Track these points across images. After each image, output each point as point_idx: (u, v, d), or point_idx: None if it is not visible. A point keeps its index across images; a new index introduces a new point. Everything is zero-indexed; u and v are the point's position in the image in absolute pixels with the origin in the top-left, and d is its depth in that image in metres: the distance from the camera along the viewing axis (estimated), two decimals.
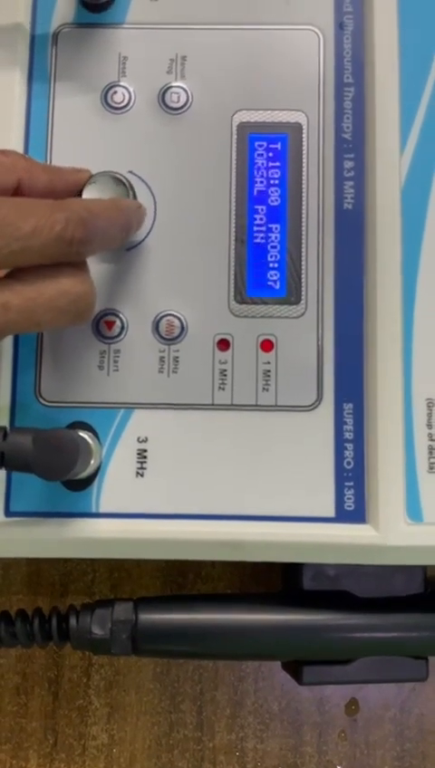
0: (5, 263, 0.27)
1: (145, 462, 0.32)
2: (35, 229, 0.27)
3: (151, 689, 0.39)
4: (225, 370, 0.33)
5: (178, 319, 0.33)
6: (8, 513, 0.32)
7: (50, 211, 0.27)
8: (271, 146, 0.34)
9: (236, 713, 0.39)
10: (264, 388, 0.32)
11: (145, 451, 0.32)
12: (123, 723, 0.39)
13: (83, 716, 0.39)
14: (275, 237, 0.33)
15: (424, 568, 0.34)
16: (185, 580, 0.39)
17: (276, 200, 0.33)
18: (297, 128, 0.34)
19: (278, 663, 0.39)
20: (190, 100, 0.34)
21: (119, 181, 0.32)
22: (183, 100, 0.34)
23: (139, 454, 0.32)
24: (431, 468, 0.32)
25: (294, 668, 0.34)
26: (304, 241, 0.33)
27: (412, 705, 0.40)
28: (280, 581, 0.37)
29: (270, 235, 0.33)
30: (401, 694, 0.40)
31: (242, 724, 0.39)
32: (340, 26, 0.34)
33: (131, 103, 0.34)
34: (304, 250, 0.33)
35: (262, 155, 0.34)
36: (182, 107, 0.34)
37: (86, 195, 0.32)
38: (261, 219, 0.33)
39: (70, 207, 0.28)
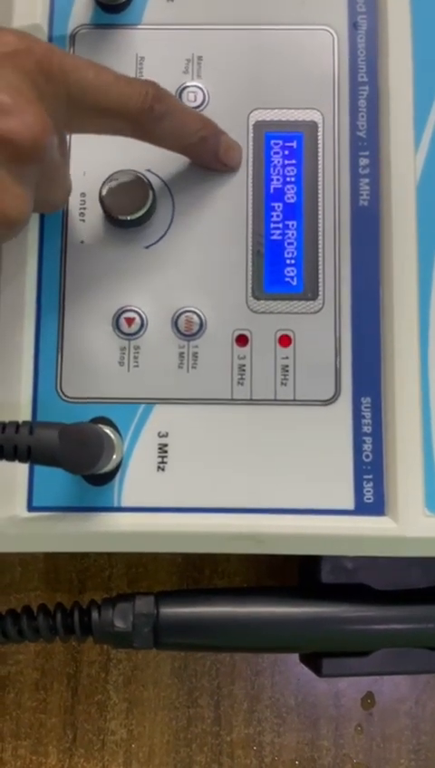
0: (81, 100, 0.29)
1: (166, 456, 0.32)
2: (117, 77, 0.29)
3: (169, 684, 0.39)
4: (243, 365, 0.33)
5: (197, 315, 0.33)
6: (31, 507, 0.32)
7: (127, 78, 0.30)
8: (287, 144, 0.34)
9: (253, 707, 0.39)
10: (282, 383, 0.33)
11: (166, 446, 0.32)
12: (142, 718, 0.39)
13: (102, 712, 0.39)
14: (292, 234, 0.34)
15: None
16: (201, 575, 0.40)
17: (293, 197, 0.34)
18: (313, 126, 0.34)
19: (294, 657, 0.39)
20: (207, 99, 0.34)
21: (139, 179, 0.33)
22: (199, 99, 0.34)
23: (159, 448, 0.32)
24: None
25: (313, 661, 0.34)
26: (320, 237, 0.33)
27: (428, 698, 0.40)
28: (296, 576, 0.38)
29: (287, 231, 0.34)
30: (416, 687, 0.40)
31: (259, 718, 0.39)
32: (354, 26, 0.34)
33: None
34: (320, 246, 0.33)
35: (278, 153, 0.34)
36: (199, 106, 0.34)
37: (105, 193, 0.32)
38: (278, 216, 0.34)
39: (151, 83, 0.30)
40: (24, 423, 0.28)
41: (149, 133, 0.31)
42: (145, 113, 0.30)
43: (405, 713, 0.40)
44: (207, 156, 0.33)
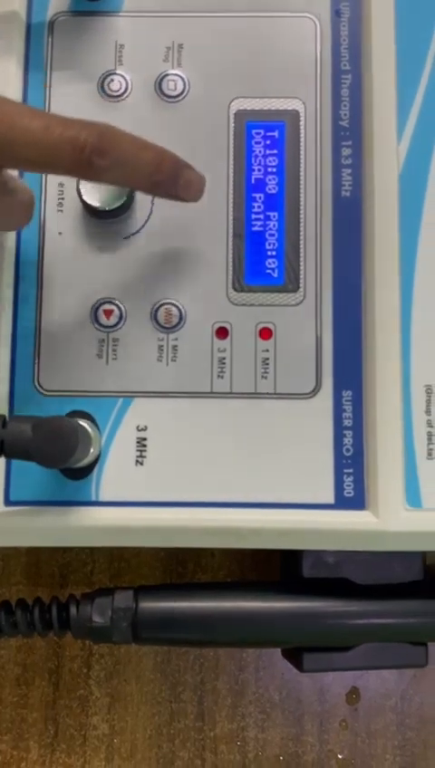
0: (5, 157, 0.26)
1: (145, 450, 0.32)
2: (47, 127, 0.26)
3: (152, 679, 0.39)
4: (223, 358, 0.33)
5: (177, 307, 0.33)
6: (8, 502, 0.32)
7: (65, 119, 0.27)
8: (268, 134, 0.34)
9: (237, 702, 0.39)
10: (263, 376, 0.32)
11: (144, 439, 0.32)
12: (124, 713, 0.39)
13: (84, 707, 0.39)
14: (274, 225, 0.33)
15: (423, 555, 0.34)
16: (185, 569, 0.39)
17: (274, 188, 0.33)
18: (295, 115, 0.34)
19: (279, 652, 0.39)
20: (187, 87, 0.34)
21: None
22: (180, 87, 0.34)
23: (138, 442, 0.32)
24: (430, 454, 0.32)
25: (295, 656, 0.34)
26: (302, 229, 0.33)
27: (413, 693, 0.40)
28: (279, 570, 0.37)
29: (268, 223, 0.33)
30: (401, 682, 0.40)
31: (243, 713, 0.39)
32: (337, 13, 0.34)
33: (128, 91, 0.34)
34: (302, 238, 0.33)
35: (259, 143, 0.33)
36: (179, 95, 0.34)
37: (83, 183, 0.32)
38: (259, 207, 0.33)
39: (88, 122, 0.27)
40: None
41: (90, 179, 0.29)
42: (82, 167, 0.27)
43: (391, 708, 0.40)
44: (161, 194, 0.31)
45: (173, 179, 0.30)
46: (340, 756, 0.39)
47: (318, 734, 0.39)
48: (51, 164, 0.27)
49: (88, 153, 0.26)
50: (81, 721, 0.39)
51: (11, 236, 0.33)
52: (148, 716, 0.39)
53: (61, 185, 0.33)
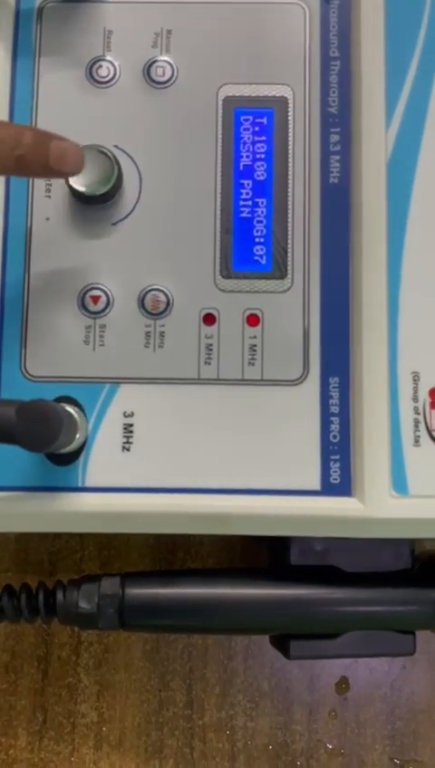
0: None
1: (131, 436, 0.32)
2: None
3: (141, 667, 0.39)
4: (211, 345, 0.33)
5: (164, 294, 0.33)
6: None
7: None
8: (257, 120, 0.33)
9: (225, 691, 0.39)
10: (250, 363, 0.32)
11: (131, 425, 0.32)
12: (113, 701, 0.39)
13: (73, 694, 0.39)
14: (262, 212, 0.33)
15: (411, 543, 0.34)
16: (174, 557, 0.39)
17: (262, 175, 0.33)
18: (283, 102, 0.33)
19: (268, 641, 0.39)
20: (176, 74, 0.34)
21: (104, 155, 0.32)
22: (168, 74, 0.34)
23: (125, 428, 0.32)
24: (417, 441, 0.32)
25: (282, 643, 0.34)
26: (290, 215, 0.33)
27: (403, 683, 0.40)
28: (268, 559, 0.37)
29: (256, 209, 0.33)
30: (391, 672, 0.40)
31: (232, 702, 0.39)
32: (326, 0, 0.34)
33: (117, 77, 0.34)
34: (290, 224, 0.33)
35: (248, 129, 0.33)
36: (167, 81, 0.34)
37: None
38: (247, 194, 0.33)
39: None
40: None
41: None
42: None
43: (380, 698, 0.40)
44: (34, 171, 0.30)
45: (41, 152, 0.29)
46: (329, 746, 0.39)
47: (307, 724, 0.39)
48: None
49: None
50: (69, 708, 0.39)
51: None
52: (136, 704, 0.39)
53: None
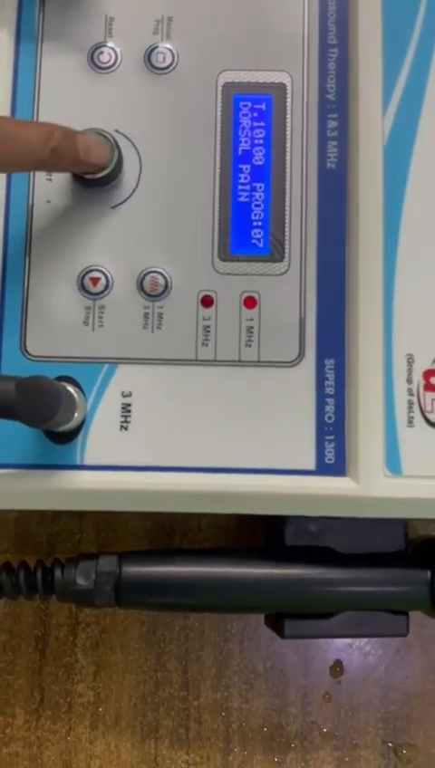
0: None
1: (129, 416, 0.32)
2: None
3: (138, 648, 0.40)
4: (208, 327, 0.33)
5: (163, 276, 0.33)
6: None
7: None
8: (256, 106, 0.34)
9: (221, 672, 0.40)
10: (247, 344, 0.33)
11: (129, 405, 0.33)
12: (109, 681, 0.39)
13: (70, 674, 0.39)
14: (259, 196, 0.34)
15: (404, 526, 0.35)
16: (171, 541, 0.40)
17: (260, 160, 0.34)
18: (282, 88, 0.34)
19: (263, 624, 0.39)
20: (176, 60, 0.34)
21: (105, 139, 0.33)
22: (169, 60, 0.34)
23: (123, 408, 0.33)
24: (410, 422, 0.32)
25: (277, 623, 0.35)
26: (287, 200, 0.33)
27: (397, 667, 0.40)
28: (263, 541, 0.38)
29: (254, 193, 0.34)
30: (385, 657, 0.40)
31: (227, 683, 0.40)
32: None
33: (118, 63, 0.34)
34: (287, 209, 0.33)
35: (247, 115, 0.34)
36: (168, 67, 0.34)
37: None
38: (245, 178, 0.34)
39: None
40: None
41: None
42: None
43: (374, 682, 0.40)
44: (66, 165, 0.31)
45: (71, 143, 0.30)
46: (323, 728, 0.40)
47: (302, 706, 0.40)
48: None
49: None
50: (66, 688, 0.39)
51: None
52: (133, 685, 0.39)
53: None
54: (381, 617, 0.34)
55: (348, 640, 0.40)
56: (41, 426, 0.29)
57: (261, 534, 0.38)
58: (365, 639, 0.40)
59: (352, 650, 0.40)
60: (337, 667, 0.40)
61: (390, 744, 0.40)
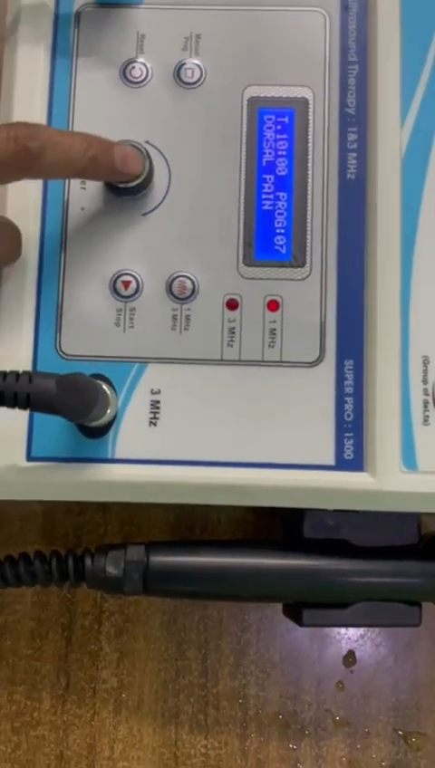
0: None
1: (158, 412, 0.34)
2: None
3: (159, 637, 0.41)
4: (233, 328, 0.35)
5: (190, 280, 0.35)
6: (30, 458, 0.34)
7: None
8: (279, 119, 0.36)
9: (239, 661, 0.41)
10: (270, 345, 0.34)
11: (158, 402, 0.34)
12: (132, 668, 0.41)
13: (94, 661, 0.41)
14: (282, 205, 0.35)
15: (418, 519, 0.36)
16: (192, 533, 0.41)
17: (284, 170, 0.35)
18: (304, 102, 0.36)
19: (280, 615, 0.40)
20: (204, 75, 0.36)
21: (137, 150, 0.34)
22: (197, 75, 0.36)
23: (152, 404, 0.34)
24: (426, 421, 0.34)
25: (295, 612, 0.36)
26: (309, 208, 0.35)
27: (406, 658, 0.42)
28: (282, 534, 0.39)
29: (277, 202, 0.35)
30: (396, 647, 0.42)
31: (244, 672, 0.41)
32: (345, 8, 0.36)
33: (148, 78, 0.36)
34: (308, 217, 0.35)
35: (270, 128, 0.36)
36: (196, 82, 0.36)
37: None
38: (269, 188, 0.35)
39: (19, 124, 0.30)
40: (24, 372, 0.30)
41: (36, 171, 0.31)
42: (21, 155, 0.29)
43: (385, 671, 0.41)
44: (103, 173, 0.33)
45: (108, 154, 0.32)
46: (336, 716, 0.41)
47: (316, 694, 0.41)
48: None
49: (22, 141, 0.29)
50: (91, 674, 0.41)
51: (36, 210, 0.35)
52: (154, 672, 0.41)
53: None
54: (394, 607, 0.35)
55: (361, 632, 0.42)
56: (78, 420, 0.30)
57: (277, 528, 0.40)
58: (377, 631, 0.42)
59: (365, 641, 0.42)
60: (350, 658, 0.42)
61: (400, 732, 0.41)
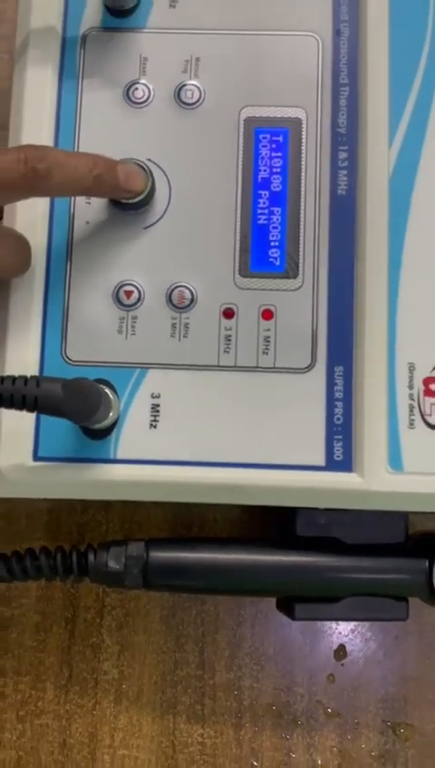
0: None
1: (158, 415, 0.36)
2: None
3: (158, 630, 0.42)
4: (229, 336, 0.36)
5: (189, 290, 0.37)
6: (36, 457, 0.35)
7: (1, 150, 0.31)
8: (274, 138, 0.37)
9: (234, 654, 0.42)
10: (264, 352, 0.36)
11: (158, 406, 0.36)
12: (132, 660, 0.42)
13: (96, 653, 0.42)
14: (277, 219, 0.37)
15: (405, 519, 0.37)
16: (189, 531, 0.43)
17: (278, 186, 0.37)
18: (297, 122, 0.38)
19: (274, 610, 0.42)
20: (203, 96, 0.38)
21: (140, 168, 0.36)
22: (196, 96, 0.38)
23: (152, 408, 0.36)
24: (411, 424, 0.35)
25: (288, 606, 0.37)
26: (301, 223, 0.37)
27: (395, 652, 0.43)
28: (276, 533, 0.41)
29: (272, 217, 0.37)
30: (385, 641, 0.43)
31: (240, 664, 0.42)
32: (337, 33, 0.38)
33: (150, 99, 0.38)
34: (301, 231, 0.37)
35: (266, 146, 0.37)
36: (195, 102, 0.38)
37: None
38: (264, 203, 0.37)
39: (28, 146, 0.32)
40: (32, 377, 0.31)
41: (44, 190, 0.32)
42: (30, 176, 0.31)
43: (375, 665, 0.42)
44: (108, 191, 0.35)
45: (112, 172, 0.34)
46: (327, 708, 0.42)
47: (308, 686, 0.42)
48: (6, 184, 0.31)
49: (30, 163, 0.31)
50: (93, 666, 0.42)
51: (44, 223, 0.37)
52: (153, 664, 0.42)
53: None
54: (383, 602, 0.36)
55: (351, 626, 0.43)
56: (83, 422, 0.32)
57: (270, 528, 0.42)
58: (367, 626, 0.43)
59: (355, 636, 0.43)
60: (341, 651, 0.43)
61: (388, 723, 0.42)
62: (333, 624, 0.43)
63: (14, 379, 0.31)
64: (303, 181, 0.37)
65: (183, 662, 0.42)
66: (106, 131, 0.37)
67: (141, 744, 0.42)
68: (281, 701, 0.42)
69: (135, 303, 0.37)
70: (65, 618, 0.42)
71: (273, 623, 0.43)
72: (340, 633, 0.43)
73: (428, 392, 0.36)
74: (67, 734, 0.42)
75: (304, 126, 0.37)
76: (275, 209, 0.37)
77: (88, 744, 0.41)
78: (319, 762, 0.41)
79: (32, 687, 0.42)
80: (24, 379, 0.31)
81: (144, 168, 0.36)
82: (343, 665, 0.43)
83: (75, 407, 0.31)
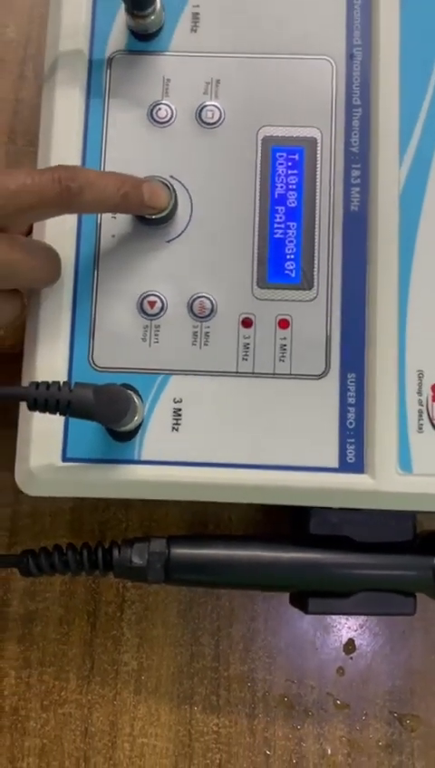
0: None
1: (180, 419, 0.38)
2: (30, 175, 0.32)
3: (176, 624, 0.44)
4: (248, 344, 0.38)
5: (209, 300, 0.39)
6: (65, 458, 0.37)
7: (38, 171, 0.33)
8: (290, 156, 0.39)
9: (248, 647, 0.44)
10: (280, 360, 0.38)
11: (180, 410, 0.38)
12: (151, 652, 0.43)
13: (117, 645, 0.43)
14: (292, 233, 0.39)
15: (414, 518, 0.39)
16: (205, 529, 0.44)
17: (294, 202, 0.39)
18: (313, 141, 0.39)
19: (286, 606, 0.43)
20: (223, 116, 0.39)
21: (163, 185, 0.38)
22: (217, 116, 0.39)
23: (175, 412, 0.38)
24: (420, 428, 0.37)
25: (301, 600, 0.39)
26: (316, 237, 0.39)
27: (402, 646, 0.44)
28: (288, 531, 0.43)
29: (288, 231, 0.39)
30: (393, 636, 0.44)
31: (253, 657, 0.43)
32: (350, 57, 0.40)
33: (173, 119, 0.39)
34: (316, 244, 0.39)
35: (282, 164, 0.39)
36: (216, 122, 0.39)
37: None
38: (280, 218, 0.39)
39: (60, 167, 0.33)
40: (65, 383, 0.33)
41: (76, 207, 0.34)
42: (64, 194, 0.33)
43: (382, 658, 0.44)
44: (134, 208, 0.36)
45: (138, 190, 0.36)
46: (337, 699, 0.44)
47: (318, 679, 0.43)
48: (42, 204, 0.33)
49: (64, 182, 0.33)
50: (114, 658, 0.43)
51: (72, 237, 0.39)
52: (171, 656, 0.43)
53: None
54: (391, 597, 0.38)
55: (360, 621, 0.44)
56: (112, 425, 0.34)
57: (283, 527, 0.43)
58: (375, 621, 0.44)
59: (364, 630, 0.44)
60: (350, 645, 0.44)
61: (395, 715, 0.43)
62: (343, 619, 0.44)
63: (48, 384, 0.33)
64: (317, 197, 0.39)
65: (199, 655, 0.44)
66: (131, 149, 0.39)
67: (159, 732, 0.43)
68: (292, 693, 0.43)
69: (158, 313, 0.38)
70: (87, 611, 0.44)
71: (285, 618, 0.44)
72: (349, 628, 0.44)
73: None
74: (89, 722, 0.43)
75: (318, 145, 0.39)
76: (291, 224, 0.39)
77: (109, 733, 0.43)
78: (329, 751, 0.43)
79: (55, 678, 0.43)
80: (58, 385, 0.33)
81: (167, 186, 0.38)
82: (352, 658, 0.44)
83: (105, 411, 0.33)
